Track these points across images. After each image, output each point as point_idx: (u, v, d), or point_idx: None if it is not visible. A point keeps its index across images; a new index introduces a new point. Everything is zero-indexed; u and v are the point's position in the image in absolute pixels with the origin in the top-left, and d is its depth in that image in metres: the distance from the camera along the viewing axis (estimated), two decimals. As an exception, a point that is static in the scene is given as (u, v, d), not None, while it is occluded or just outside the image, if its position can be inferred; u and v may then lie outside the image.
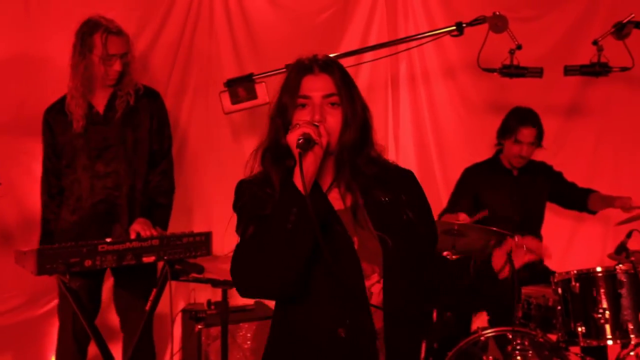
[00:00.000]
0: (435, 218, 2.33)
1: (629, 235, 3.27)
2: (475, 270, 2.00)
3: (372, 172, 1.96)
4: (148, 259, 3.01)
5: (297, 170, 1.78)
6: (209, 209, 4.48)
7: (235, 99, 3.54)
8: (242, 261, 1.86)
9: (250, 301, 4.37)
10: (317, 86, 1.91)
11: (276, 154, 1.94)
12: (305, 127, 1.80)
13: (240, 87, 3.53)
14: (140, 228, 3.24)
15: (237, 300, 4.45)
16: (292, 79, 1.95)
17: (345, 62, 3.91)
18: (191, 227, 4.27)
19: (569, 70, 3.48)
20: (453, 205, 4.07)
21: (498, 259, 1.95)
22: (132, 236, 3.17)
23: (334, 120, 1.90)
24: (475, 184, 4.08)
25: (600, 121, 4.65)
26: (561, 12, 4.59)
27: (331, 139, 1.88)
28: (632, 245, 3.32)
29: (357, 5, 4.53)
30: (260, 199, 1.92)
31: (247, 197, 1.97)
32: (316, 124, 1.84)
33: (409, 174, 2.09)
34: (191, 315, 3.84)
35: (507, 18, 3.47)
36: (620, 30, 3.26)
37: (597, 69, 3.37)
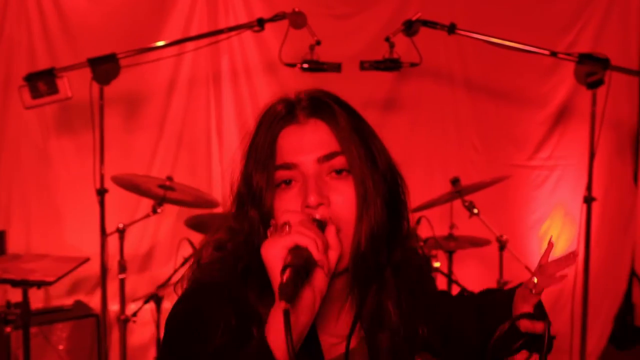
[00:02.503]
0: None
1: (417, 222, 3.46)
2: None
3: (406, 300, 1.24)
4: None
5: (275, 327, 1.01)
6: (27, 206, 4.35)
7: (35, 94, 3.45)
8: None
9: (69, 301, 4.28)
10: (305, 143, 1.17)
11: (258, 269, 1.10)
12: (298, 235, 1.03)
13: (41, 81, 3.45)
14: None
15: (56, 300, 4.36)
16: (262, 138, 1.19)
17: (165, 52, 4.01)
18: (8, 225, 4.13)
19: (363, 66, 3.63)
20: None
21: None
22: None
23: (344, 200, 1.15)
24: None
25: (413, 115, 4.87)
26: (376, 11, 4.76)
27: (341, 235, 1.12)
28: (421, 232, 3.51)
29: (177, -2, 4.52)
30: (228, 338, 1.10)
31: (204, 327, 1.11)
32: (322, 220, 1.10)
33: (446, 301, 1.40)
34: (0, 317, 3.72)
35: (311, 15, 3.59)
36: (409, 28, 3.44)
37: (388, 64, 3.54)
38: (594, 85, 3.25)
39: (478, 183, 3.63)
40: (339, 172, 1.16)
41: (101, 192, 3.49)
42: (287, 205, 1.14)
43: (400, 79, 4.76)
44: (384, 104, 4.86)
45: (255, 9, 4.59)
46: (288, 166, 1.16)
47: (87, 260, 3.46)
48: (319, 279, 1.05)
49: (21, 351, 3.74)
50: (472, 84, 4.81)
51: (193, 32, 4.43)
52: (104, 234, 3.48)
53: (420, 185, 4.77)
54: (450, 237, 3.81)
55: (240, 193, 1.21)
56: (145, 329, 4.17)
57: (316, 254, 1.02)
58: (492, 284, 3.72)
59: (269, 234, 1.11)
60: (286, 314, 0.95)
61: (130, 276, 4.18)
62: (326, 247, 1.06)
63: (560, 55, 3.44)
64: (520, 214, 4.78)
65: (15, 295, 4.04)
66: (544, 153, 4.81)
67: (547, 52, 3.43)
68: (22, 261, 3.47)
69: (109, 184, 3.56)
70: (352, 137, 1.18)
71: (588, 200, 3.33)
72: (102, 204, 3.49)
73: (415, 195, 4.22)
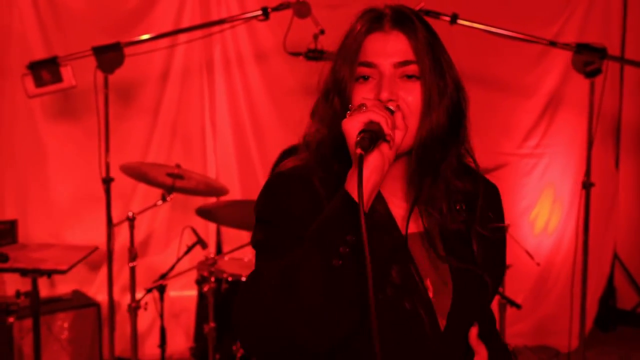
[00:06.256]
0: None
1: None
2: None
3: (461, 187, 1.42)
4: (-55, 250, 2.89)
5: (354, 179, 1.22)
6: (23, 195, 4.32)
7: (39, 82, 3.44)
8: (255, 306, 1.27)
9: (67, 290, 4.28)
10: (386, 49, 1.35)
11: (336, 145, 1.35)
12: (373, 112, 1.24)
13: (44, 70, 3.44)
14: None
15: (53, 289, 4.34)
16: (352, 39, 1.40)
17: (158, 45, 4.03)
18: (3, 215, 4.11)
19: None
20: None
21: None
22: None
23: (411, 99, 1.34)
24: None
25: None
26: (370, 1, 4.80)
27: (407, 131, 1.33)
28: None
29: (169, -12, 4.51)
30: (305, 206, 1.35)
31: (283, 199, 1.37)
32: (391, 108, 1.31)
33: (496, 192, 1.57)
34: (2, 308, 3.70)
35: (310, 4, 3.64)
36: (412, 17, 3.49)
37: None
38: (592, 74, 3.36)
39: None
40: (409, 76, 1.35)
41: (107, 181, 3.50)
42: (364, 95, 1.34)
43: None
44: (376, 93, 4.91)
45: (247, -1, 4.62)
46: (369, 64, 1.36)
47: (96, 249, 3.47)
48: (386, 148, 1.26)
49: (24, 341, 3.75)
50: (462, 73, 4.80)
51: (184, 22, 4.44)
52: (110, 223, 3.49)
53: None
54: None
55: (327, 85, 1.42)
56: (144, 318, 4.18)
57: (386, 128, 1.24)
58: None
59: (347, 115, 1.29)
60: (360, 158, 1.19)
61: (125, 266, 4.20)
62: (393, 126, 1.28)
63: (559, 45, 3.54)
64: (510, 201, 4.89)
65: (13, 285, 4.05)
66: (532, 141, 4.92)
67: (545, 42, 3.53)
68: (29, 250, 3.47)
69: (112, 173, 3.57)
70: (426, 50, 1.36)
71: (586, 185, 3.44)
72: (108, 192, 3.50)
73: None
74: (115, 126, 4.32)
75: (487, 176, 3.79)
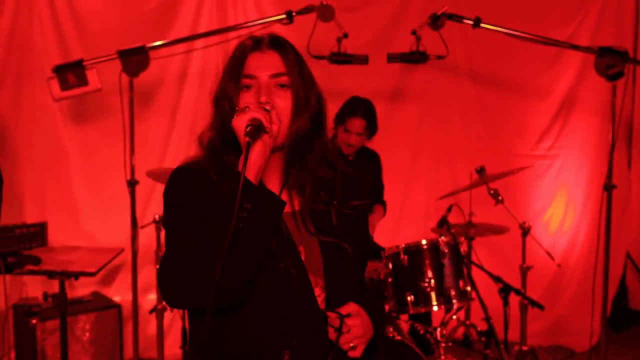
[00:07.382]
0: None
1: (449, 209, 3.56)
2: None
3: (323, 176, 1.79)
4: (-21, 253, 2.90)
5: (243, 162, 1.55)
6: (43, 198, 4.34)
7: (65, 86, 3.45)
8: (175, 266, 1.56)
9: (87, 292, 4.29)
10: (263, 64, 1.70)
11: (224, 141, 1.71)
12: (255, 112, 1.59)
13: (70, 73, 3.45)
14: None
15: (72, 291, 4.35)
16: (237, 57, 1.73)
17: (176, 49, 4.04)
18: (23, 217, 4.12)
19: (391, 58, 3.70)
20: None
21: None
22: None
23: (283, 103, 1.69)
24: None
25: (420, 105, 4.97)
26: (382, 3, 4.84)
27: (280, 126, 1.66)
28: (451, 218, 3.61)
29: (186, -7, 4.53)
30: (201, 191, 1.67)
31: (184, 187, 1.70)
32: (267, 108, 1.63)
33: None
34: (25, 309, 3.72)
35: (334, 7, 3.65)
36: (435, 21, 3.52)
37: (416, 57, 3.62)
38: (614, 77, 3.39)
39: (503, 172, 3.75)
40: (282, 86, 1.69)
41: (132, 184, 3.51)
42: (248, 100, 1.67)
43: (405, 70, 4.85)
44: (391, 95, 4.95)
45: (264, 2, 4.63)
46: (251, 76, 1.69)
47: (122, 250, 3.48)
48: (267, 138, 1.59)
49: (47, 342, 3.77)
50: (476, 75, 4.94)
51: (201, 27, 4.45)
52: (135, 225, 3.51)
53: (427, 174, 4.91)
54: (470, 224, 3.92)
55: (217, 95, 1.74)
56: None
57: (265, 122, 1.58)
58: (515, 270, 3.86)
59: (235, 116, 1.61)
60: (248, 144, 1.53)
61: (144, 268, 4.22)
62: (271, 121, 1.61)
63: (581, 48, 3.57)
64: (525, 203, 4.93)
65: (34, 287, 4.06)
66: (546, 143, 4.96)
67: (568, 45, 3.56)
68: (57, 253, 3.48)
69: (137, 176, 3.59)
70: (294, 66, 1.72)
71: (608, 187, 3.47)
72: (132, 195, 3.51)
73: (422, 183, 4.36)
74: (134, 128, 4.37)
75: (502, 180, 3.79)
